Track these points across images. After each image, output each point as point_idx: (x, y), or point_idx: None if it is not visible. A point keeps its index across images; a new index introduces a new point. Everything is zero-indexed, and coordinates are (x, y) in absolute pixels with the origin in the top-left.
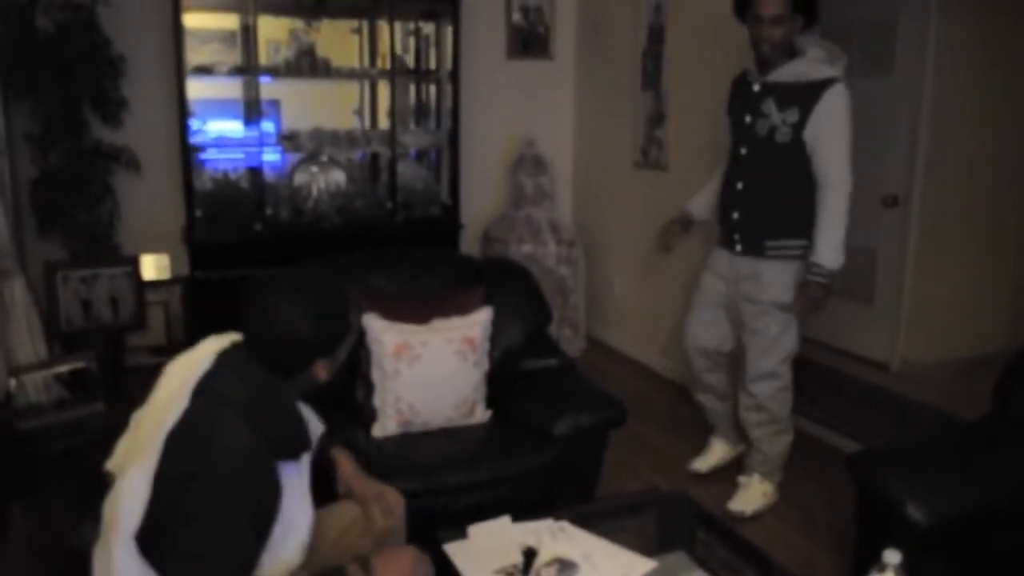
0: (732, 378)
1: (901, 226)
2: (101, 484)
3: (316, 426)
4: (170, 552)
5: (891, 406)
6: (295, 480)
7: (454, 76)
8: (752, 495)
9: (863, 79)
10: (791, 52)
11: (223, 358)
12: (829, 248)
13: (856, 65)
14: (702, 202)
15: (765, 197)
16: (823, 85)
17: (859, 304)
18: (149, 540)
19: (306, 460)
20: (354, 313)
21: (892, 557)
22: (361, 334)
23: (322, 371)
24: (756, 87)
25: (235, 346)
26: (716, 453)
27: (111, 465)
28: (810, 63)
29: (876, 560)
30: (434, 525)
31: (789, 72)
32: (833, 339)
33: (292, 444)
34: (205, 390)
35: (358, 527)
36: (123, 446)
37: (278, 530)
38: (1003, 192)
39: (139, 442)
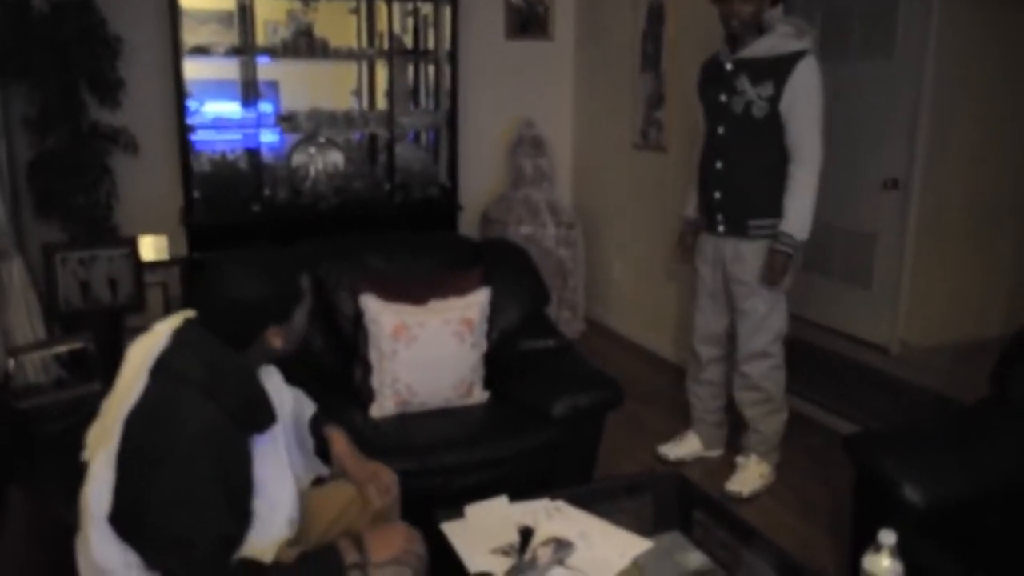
0: (729, 376)
1: (901, 209)
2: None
3: (307, 406)
4: (145, 534)
5: (889, 389)
6: (270, 452)
7: (452, 56)
8: (749, 476)
9: (863, 61)
10: (760, 29)
11: (178, 335)
12: (797, 219)
13: (857, 47)
14: (696, 203)
15: (746, 175)
16: (794, 58)
17: (859, 286)
18: (123, 522)
19: (280, 433)
20: (306, 278)
21: (887, 538)
22: (359, 315)
23: (275, 338)
24: (728, 66)
25: (189, 322)
26: (688, 446)
27: (85, 455)
28: (780, 38)
29: (871, 542)
30: (431, 505)
31: (760, 48)
32: (833, 321)
33: (255, 416)
34: (162, 368)
35: (356, 506)
36: (93, 434)
37: (262, 505)
38: (1004, 177)
39: (105, 428)
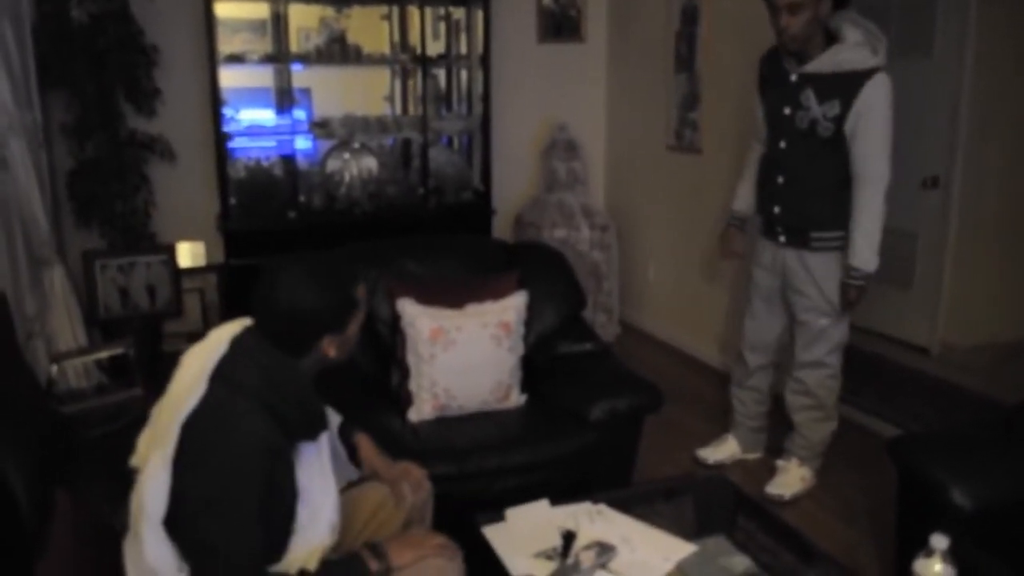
0: (775, 381)
1: (941, 208)
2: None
3: (332, 415)
4: (185, 535)
5: (931, 391)
6: (315, 461)
7: (485, 61)
8: (790, 479)
9: (901, 60)
10: (828, 36)
11: (237, 343)
12: (866, 248)
13: (894, 46)
14: (747, 197)
15: (807, 191)
16: (865, 75)
17: (899, 287)
18: (174, 524)
19: (325, 441)
20: (363, 287)
21: (940, 542)
22: (396, 319)
23: (331, 348)
24: (793, 77)
25: (247, 330)
26: (727, 449)
27: (135, 460)
28: (850, 49)
29: (918, 546)
30: (471, 509)
31: (828, 61)
32: (872, 322)
33: (309, 424)
34: (221, 376)
35: (389, 504)
36: (144, 440)
37: (304, 513)
38: None
39: (158, 433)
